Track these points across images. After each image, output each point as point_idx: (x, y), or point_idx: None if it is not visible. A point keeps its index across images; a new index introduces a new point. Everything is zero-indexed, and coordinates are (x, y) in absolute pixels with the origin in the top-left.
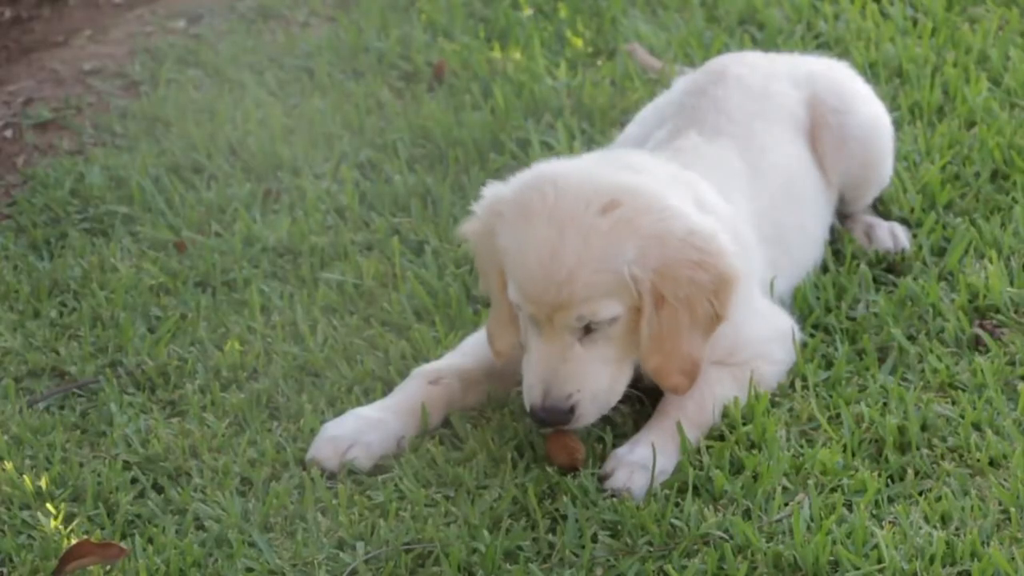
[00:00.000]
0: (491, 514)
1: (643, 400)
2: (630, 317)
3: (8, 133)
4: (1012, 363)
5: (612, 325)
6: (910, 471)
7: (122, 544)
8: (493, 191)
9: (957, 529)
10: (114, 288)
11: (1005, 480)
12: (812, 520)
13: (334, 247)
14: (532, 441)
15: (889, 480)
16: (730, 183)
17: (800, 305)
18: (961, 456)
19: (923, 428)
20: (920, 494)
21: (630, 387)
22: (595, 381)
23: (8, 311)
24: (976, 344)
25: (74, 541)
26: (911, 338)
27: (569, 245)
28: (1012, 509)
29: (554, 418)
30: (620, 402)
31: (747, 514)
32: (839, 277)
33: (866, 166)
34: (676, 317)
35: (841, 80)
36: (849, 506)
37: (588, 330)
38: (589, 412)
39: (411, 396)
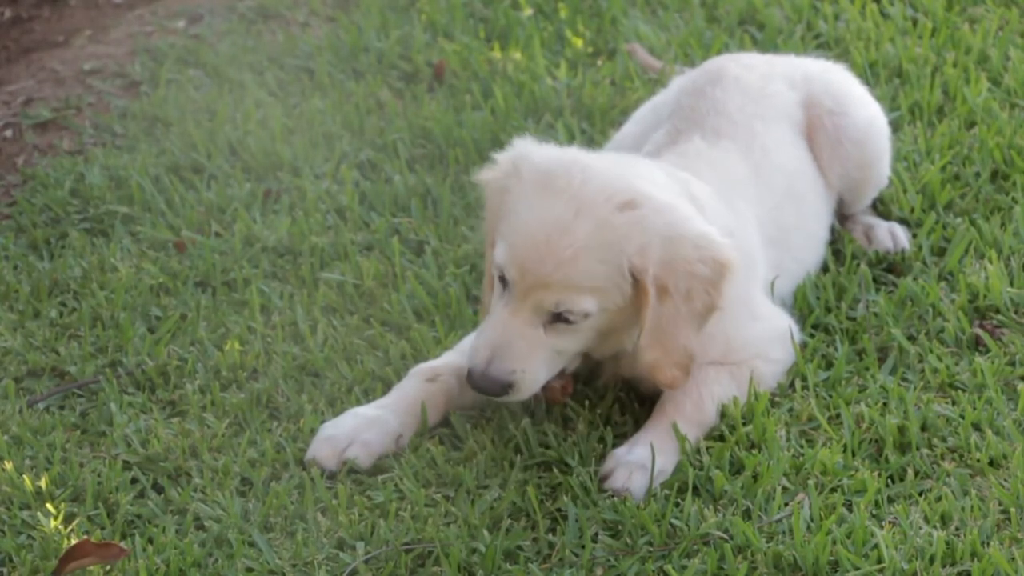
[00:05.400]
0: (491, 514)
1: (642, 402)
2: (603, 318)
3: (8, 133)
4: (1012, 363)
5: (580, 320)
6: (910, 471)
7: (122, 544)
8: (523, 148)
9: (957, 529)
10: (114, 288)
11: (1005, 480)
12: (812, 520)
13: (334, 247)
14: (532, 441)
15: (889, 480)
16: (734, 189)
17: (800, 305)
18: (961, 456)
19: (923, 428)
20: (920, 494)
21: (630, 389)
22: (540, 367)
23: (8, 311)
24: (976, 344)
25: (74, 541)
26: (911, 338)
27: (581, 228)
28: (1012, 509)
29: (490, 388)
30: (619, 405)
31: (747, 514)
32: (839, 277)
33: (862, 167)
34: (676, 309)
35: (837, 82)
36: (849, 506)
37: (556, 318)
38: (522, 393)
39: (409, 394)
